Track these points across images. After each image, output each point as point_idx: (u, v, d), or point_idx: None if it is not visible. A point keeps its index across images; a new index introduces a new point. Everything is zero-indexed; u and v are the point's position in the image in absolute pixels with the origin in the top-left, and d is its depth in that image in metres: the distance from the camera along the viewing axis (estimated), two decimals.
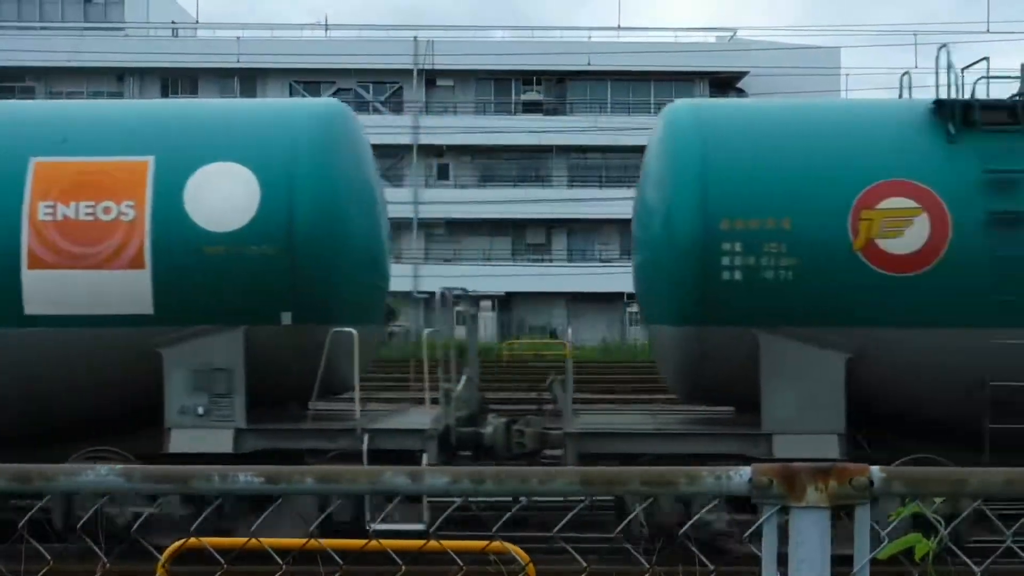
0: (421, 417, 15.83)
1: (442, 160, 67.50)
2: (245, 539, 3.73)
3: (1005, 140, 14.60)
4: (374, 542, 3.57)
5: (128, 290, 14.39)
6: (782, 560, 3.00)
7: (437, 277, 47.03)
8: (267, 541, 3.87)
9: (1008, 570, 6.87)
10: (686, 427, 15.36)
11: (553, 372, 17.20)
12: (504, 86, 67.60)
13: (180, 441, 14.46)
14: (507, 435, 15.21)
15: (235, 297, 14.39)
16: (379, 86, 67.22)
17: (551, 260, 66.72)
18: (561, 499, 14.40)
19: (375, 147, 17.24)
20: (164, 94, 67.18)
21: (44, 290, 14.37)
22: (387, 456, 14.38)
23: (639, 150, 18.06)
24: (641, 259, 15.69)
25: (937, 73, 15.39)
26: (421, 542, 3.82)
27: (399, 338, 52.93)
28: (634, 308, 50.49)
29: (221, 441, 14.50)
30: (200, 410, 14.50)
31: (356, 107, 66.32)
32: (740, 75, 68.24)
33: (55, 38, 65.73)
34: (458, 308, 17.19)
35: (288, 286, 14.39)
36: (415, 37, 66.83)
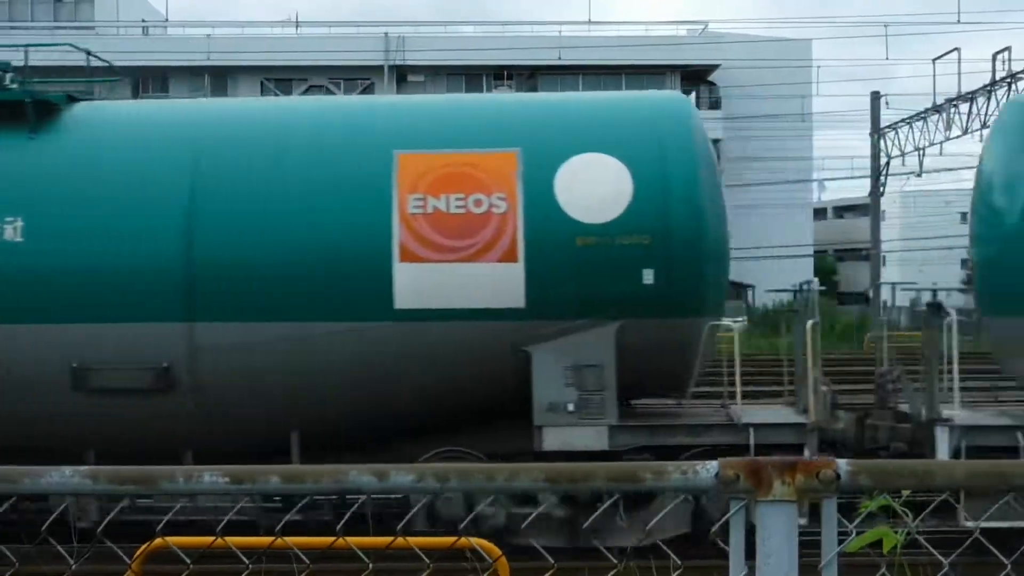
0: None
1: None
2: (212, 538, 3.70)
3: None
4: (340, 540, 3.53)
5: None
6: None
7: None
8: (233, 540, 3.84)
9: (976, 561, 6.87)
10: None
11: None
12: (475, 81, 67.49)
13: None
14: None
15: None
16: (350, 83, 67.01)
17: None
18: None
19: None
20: (135, 93, 66.91)
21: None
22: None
23: None
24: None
25: None
26: (388, 539, 3.80)
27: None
28: None
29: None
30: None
31: None
32: (711, 68, 68.34)
33: (25, 38, 65.40)
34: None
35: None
36: (386, 33, 66.73)
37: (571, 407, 14.28)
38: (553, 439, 14.25)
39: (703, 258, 14.54)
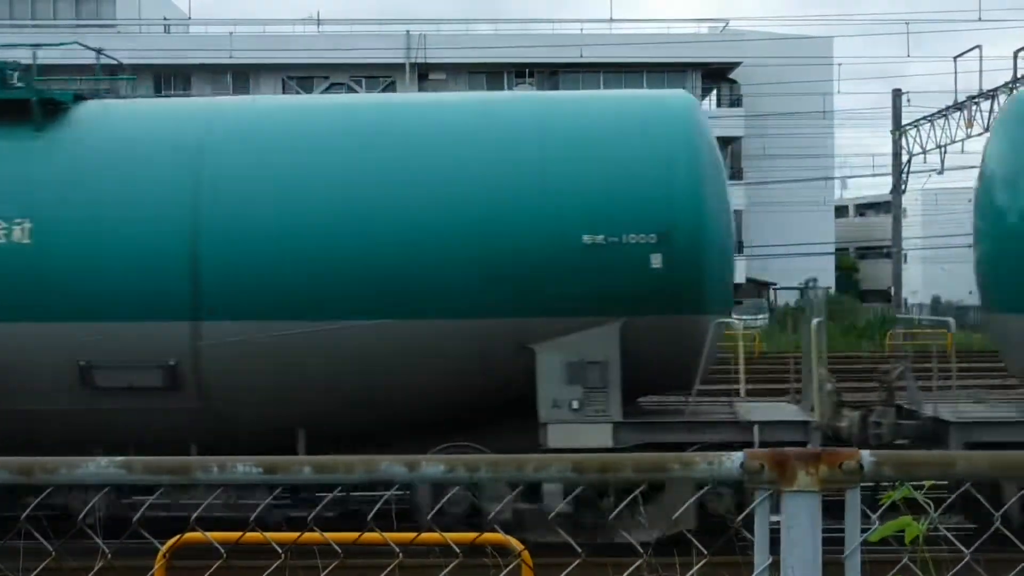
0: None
1: None
2: (241, 532, 3.76)
3: None
4: (368, 533, 3.59)
5: None
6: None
7: None
8: (260, 536, 3.90)
9: (995, 557, 6.90)
10: None
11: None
12: (496, 79, 67.45)
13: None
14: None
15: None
16: (372, 80, 67.07)
17: None
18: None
19: None
20: (157, 91, 67.10)
21: None
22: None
23: None
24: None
25: None
26: (414, 534, 3.85)
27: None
28: None
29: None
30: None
31: None
32: (733, 66, 68.22)
33: (47, 36, 65.56)
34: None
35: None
36: (407, 31, 66.76)
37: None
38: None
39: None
